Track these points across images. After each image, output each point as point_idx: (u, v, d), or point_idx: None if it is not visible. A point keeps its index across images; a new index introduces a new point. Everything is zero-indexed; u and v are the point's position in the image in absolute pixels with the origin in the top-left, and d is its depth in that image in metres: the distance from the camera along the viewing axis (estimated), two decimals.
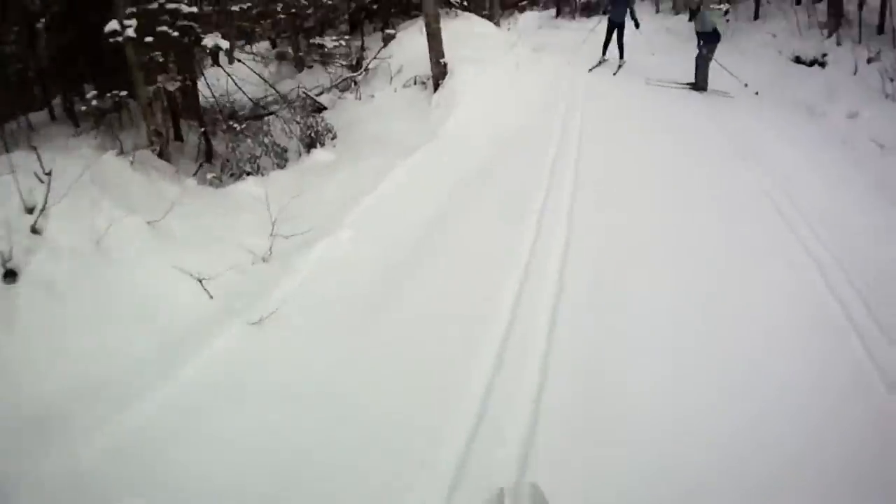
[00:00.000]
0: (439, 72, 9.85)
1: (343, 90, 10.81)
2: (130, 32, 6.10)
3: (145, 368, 3.57)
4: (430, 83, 10.00)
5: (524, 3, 25.80)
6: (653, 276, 4.69)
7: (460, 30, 11.89)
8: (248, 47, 11.89)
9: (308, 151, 7.80)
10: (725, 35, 11.18)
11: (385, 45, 11.66)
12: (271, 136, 7.95)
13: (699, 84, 10.72)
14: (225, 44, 6.99)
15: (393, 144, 7.76)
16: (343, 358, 3.83)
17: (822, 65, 10.29)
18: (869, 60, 9.21)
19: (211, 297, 4.39)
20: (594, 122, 8.86)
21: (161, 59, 6.79)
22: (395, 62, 10.94)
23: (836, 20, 10.84)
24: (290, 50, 12.83)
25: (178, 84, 7.01)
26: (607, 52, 13.01)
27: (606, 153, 7.53)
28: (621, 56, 12.84)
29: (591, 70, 12.73)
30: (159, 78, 6.89)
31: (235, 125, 7.37)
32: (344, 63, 11.45)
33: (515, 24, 20.59)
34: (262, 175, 7.02)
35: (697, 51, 10.68)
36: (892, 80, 8.33)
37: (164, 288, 4.27)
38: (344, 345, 3.95)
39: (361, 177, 6.76)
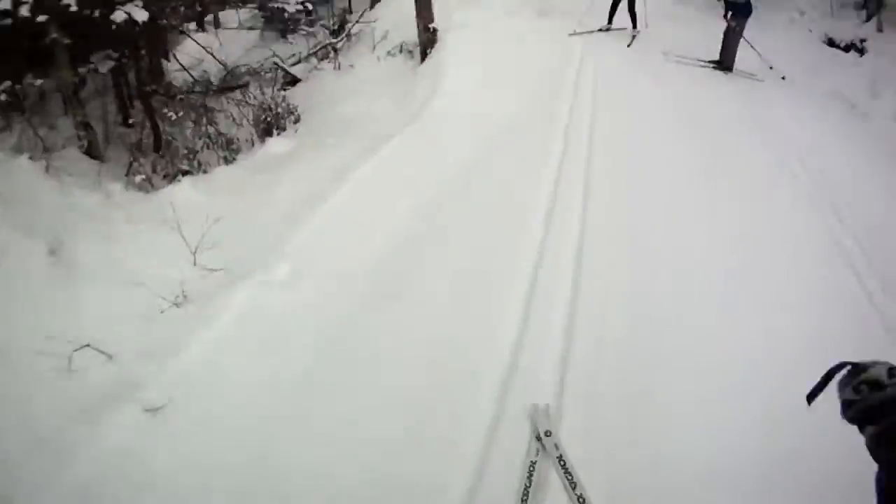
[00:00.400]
0: (427, 39, 8.72)
1: (322, 58, 9.63)
2: (24, 11, 4.95)
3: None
4: (418, 52, 8.85)
5: None
6: None
7: None
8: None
9: (263, 140, 6.66)
10: None
11: (371, 7, 10.47)
12: (215, 124, 6.72)
13: (725, 63, 9.24)
14: (143, 15, 5.62)
15: (366, 129, 6.57)
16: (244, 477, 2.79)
17: (861, 51, 9.20)
18: None
19: (110, 357, 3.48)
20: (607, 110, 7.32)
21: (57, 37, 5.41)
22: (382, 26, 9.65)
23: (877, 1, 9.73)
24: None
25: (111, 63, 5.88)
26: (613, 21, 11.07)
27: (624, 155, 6.22)
28: (634, 25, 10.75)
29: (572, 34, 10.54)
30: (92, 58, 5.77)
31: (171, 112, 6.11)
32: (324, 25, 10.39)
33: None
34: (205, 172, 5.92)
35: (725, 24, 9.34)
36: None
37: (59, 347, 3.22)
38: (250, 457, 2.87)
39: (322, 173, 5.55)
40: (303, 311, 3.88)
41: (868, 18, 9.79)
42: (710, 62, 9.39)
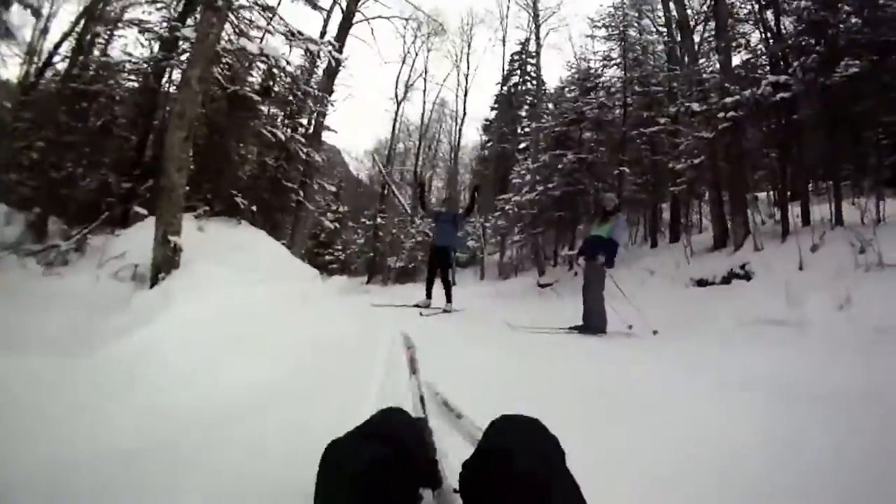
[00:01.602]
0: (164, 257, 5.61)
1: (48, 264, 6.98)
2: None
3: None
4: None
5: (335, 265, 22.92)
6: None
7: (237, 239, 8.12)
8: None
9: None
10: None
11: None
12: None
13: (594, 324, 6.56)
14: None
15: None
16: None
17: (747, 276, 7.63)
18: (813, 248, 7.04)
19: None
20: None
21: None
22: (129, 242, 6.96)
23: (744, 228, 9.09)
24: None
25: None
26: (432, 295, 8.89)
27: None
28: (448, 299, 8.69)
29: (377, 305, 8.74)
30: None
31: None
32: None
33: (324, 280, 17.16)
34: None
35: (576, 271, 7.14)
36: (861, 251, 6.19)
37: None
38: None
39: None
40: None
41: (737, 247, 8.83)
42: (571, 328, 6.73)
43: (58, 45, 11.21)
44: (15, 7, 6.90)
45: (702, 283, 8.54)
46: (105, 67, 10.32)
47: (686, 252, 10.12)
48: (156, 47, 10.65)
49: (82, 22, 10.86)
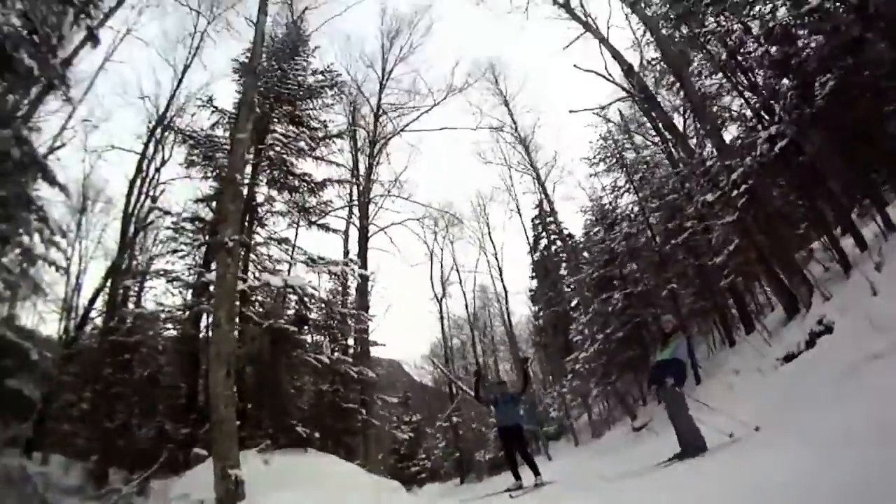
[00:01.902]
0: (226, 491, 5.48)
1: None
2: None
3: None
4: None
5: (423, 475, 21.84)
6: None
7: (306, 466, 7.98)
8: None
9: None
10: None
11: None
12: None
13: (692, 445, 5.94)
14: None
15: None
16: None
17: (829, 330, 7.05)
18: (877, 267, 6.86)
19: None
20: None
21: None
22: (192, 482, 7.06)
23: (806, 285, 8.64)
24: None
25: None
26: (520, 475, 8.17)
27: None
28: (536, 473, 8.13)
29: (465, 501, 8.19)
30: None
31: None
32: None
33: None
34: None
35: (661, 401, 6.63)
36: None
37: None
38: None
39: None
40: None
41: (807, 307, 8.24)
42: (671, 459, 6.09)
43: (92, 301, 12.55)
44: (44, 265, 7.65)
45: (788, 357, 7.92)
46: (140, 318, 11.06)
47: (764, 336, 9.58)
48: (187, 294, 11.28)
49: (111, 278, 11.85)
